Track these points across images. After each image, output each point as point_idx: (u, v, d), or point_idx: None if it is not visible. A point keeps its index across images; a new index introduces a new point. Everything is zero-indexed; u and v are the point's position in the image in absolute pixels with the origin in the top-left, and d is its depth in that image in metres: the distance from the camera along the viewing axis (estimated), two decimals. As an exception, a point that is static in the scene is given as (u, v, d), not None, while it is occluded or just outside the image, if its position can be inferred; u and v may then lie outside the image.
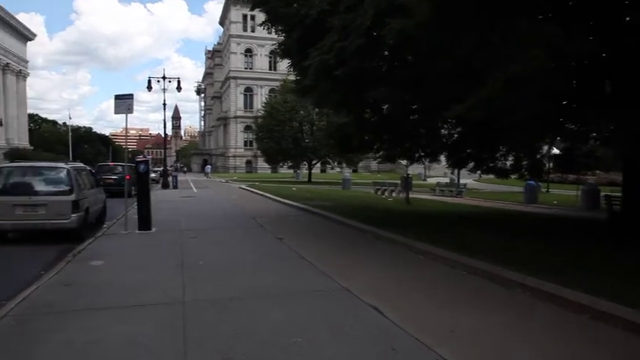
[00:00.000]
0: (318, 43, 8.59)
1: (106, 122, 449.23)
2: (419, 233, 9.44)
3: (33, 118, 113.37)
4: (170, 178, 32.93)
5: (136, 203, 11.91)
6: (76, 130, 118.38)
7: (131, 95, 11.23)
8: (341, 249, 8.76)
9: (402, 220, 12.57)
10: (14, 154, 72.56)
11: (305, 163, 50.48)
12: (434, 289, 5.96)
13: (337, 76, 8.06)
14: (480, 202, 26.24)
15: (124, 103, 11.22)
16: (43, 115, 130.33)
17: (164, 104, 32.33)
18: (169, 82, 32.27)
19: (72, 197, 10.00)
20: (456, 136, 14.11)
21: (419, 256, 8.05)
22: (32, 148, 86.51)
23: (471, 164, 15.48)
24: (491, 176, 20.53)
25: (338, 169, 66.34)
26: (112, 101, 11.28)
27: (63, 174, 10.28)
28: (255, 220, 13.15)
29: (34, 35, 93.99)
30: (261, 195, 24.23)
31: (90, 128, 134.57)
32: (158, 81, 32.04)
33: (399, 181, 33.84)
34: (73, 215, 9.94)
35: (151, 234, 10.78)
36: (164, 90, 31.91)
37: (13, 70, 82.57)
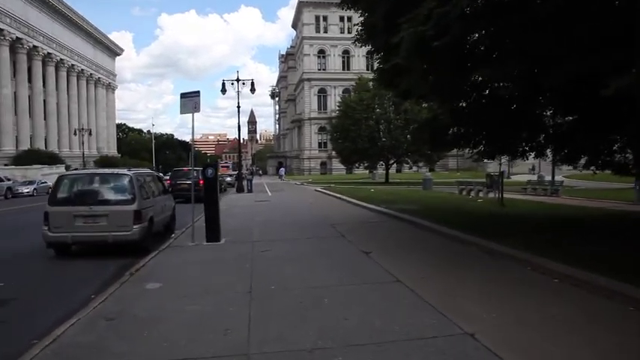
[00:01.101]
0: (408, 14, 6.97)
1: (187, 129, 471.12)
2: (536, 245, 7.50)
3: (121, 128, 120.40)
4: (245, 182, 32.41)
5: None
6: (159, 137, 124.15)
7: (197, 92, 10.13)
8: (444, 268, 7.00)
9: (505, 227, 10.56)
10: (104, 161, 76.81)
11: (382, 162, 48.54)
12: (604, 340, 4.09)
13: (436, 50, 6.35)
14: (583, 201, 23.15)
15: (190, 101, 10.15)
16: (130, 125, 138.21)
17: (238, 107, 31.89)
18: (243, 84, 31.78)
19: (134, 207, 9.04)
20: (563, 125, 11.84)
21: (549, 278, 6.14)
22: (120, 155, 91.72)
23: (583, 159, 13.13)
24: (578, 171, 17.74)
25: (415, 169, 63.73)
26: None
27: (125, 182, 9.36)
28: (334, 228, 11.66)
29: (122, 50, 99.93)
30: (338, 198, 22.77)
31: (171, 135, 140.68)
32: (232, 84, 31.63)
33: (484, 180, 31.25)
34: (135, 227, 8.97)
35: (219, 246, 9.60)
36: (238, 92, 31.49)
37: (103, 84, 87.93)
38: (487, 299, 5.32)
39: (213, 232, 9.99)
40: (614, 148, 12.24)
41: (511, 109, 9.81)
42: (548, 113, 11.80)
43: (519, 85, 6.60)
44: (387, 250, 8.59)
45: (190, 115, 10.27)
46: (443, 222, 11.22)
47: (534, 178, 47.04)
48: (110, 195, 9.28)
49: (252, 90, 31.88)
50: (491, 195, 26.63)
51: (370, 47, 11.40)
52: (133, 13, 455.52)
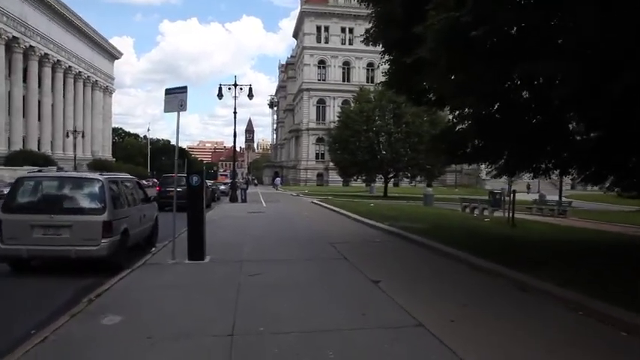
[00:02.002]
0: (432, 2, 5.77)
1: (184, 136, 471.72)
2: (577, 281, 6.25)
3: (117, 132, 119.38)
4: (239, 192, 31.07)
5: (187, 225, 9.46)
6: (155, 142, 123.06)
7: (184, 88, 8.88)
8: (475, 309, 5.66)
9: (527, 254, 9.31)
10: (97, 165, 75.39)
11: (380, 176, 47.31)
12: None
13: (472, 40, 5.14)
14: (595, 224, 21.93)
15: (175, 98, 8.89)
16: (128, 129, 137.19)
17: (235, 113, 30.66)
18: (241, 89, 30.61)
19: (103, 217, 7.72)
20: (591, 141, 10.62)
21: (616, 331, 4.84)
22: (114, 159, 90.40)
23: (610, 178, 11.96)
24: (576, 191, 16.52)
25: (412, 184, 62.47)
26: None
27: (95, 188, 8.03)
28: (334, 248, 10.36)
29: (121, 54, 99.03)
30: (337, 212, 21.47)
31: (168, 141, 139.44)
32: (229, 89, 30.47)
33: (487, 198, 30.07)
34: (103, 241, 7.64)
35: (202, 266, 8.28)
36: (235, 98, 30.28)
37: (100, 87, 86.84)
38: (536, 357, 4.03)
39: (196, 248, 8.67)
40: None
41: (539, 120, 8.58)
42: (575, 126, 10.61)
43: (569, 86, 5.38)
44: (399, 278, 7.30)
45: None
46: (455, 244, 9.95)
47: (533, 196, 45.96)
48: (76, 202, 7.94)
49: (250, 96, 30.72)
50: (496, 214, 25.49)
51: (381, 47, 10.18)
52: (134, 19, 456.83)
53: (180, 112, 8.85)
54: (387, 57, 10.28)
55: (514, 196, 17.69)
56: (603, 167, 11.06)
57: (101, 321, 5.08)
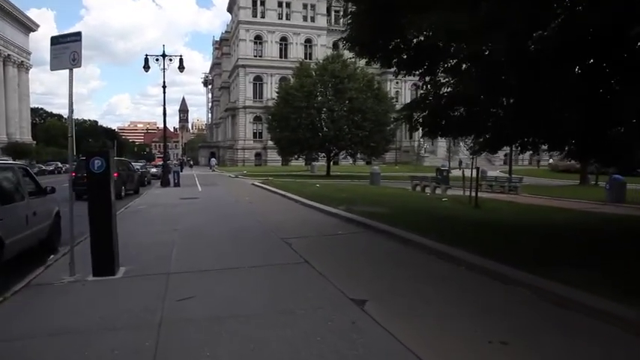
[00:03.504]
0: None
1: (115, 116, 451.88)
2: (609, 283, 4.61)
3: (38, 112, 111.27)
4: (171, 175, 28.13)
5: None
6: (81, 123, 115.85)
7: (77, 35, 6.31)
8: (520, 350, 3.83)
9: (523, 244, 7.71)
10: (14, 148, 68.65)
11: (323, 154, 45.50)
12: None
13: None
14: (552, 201, 21.15)
15: (65, 50, 6.31)
16: (52, 110, 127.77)
17: (164, 87, 27.43)
18: (170, 60, 27.38)
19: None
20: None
21: None
22: (35, 142, 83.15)
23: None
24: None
25: (350, 161, 61.19)
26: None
27: None
28: (289, 246, 8.25)
29: (37, 26, 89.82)
30: (282, 195, 19.29)
31: (95, 122, 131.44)
32: (157, 60, 27.18)
33: (435, 174, 29.02)
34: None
35: (110, 286, 5.89)
36: (164, 70, 27.05)
37: (14, 62, 78.50)
38: None
39: (103, 259, 6.26)
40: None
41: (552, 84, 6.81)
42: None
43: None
44: (389, 295, 5.29)
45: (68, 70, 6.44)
46: (434, 235, 8.19)
47: (466, 172, 45.92)
48: None
49: (181, 68, 27.58)
50: (438, 191, 24.36)
51: None
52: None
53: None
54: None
55: (478, 173, 16.27)
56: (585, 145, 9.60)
57: None
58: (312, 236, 9.36)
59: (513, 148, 10.78)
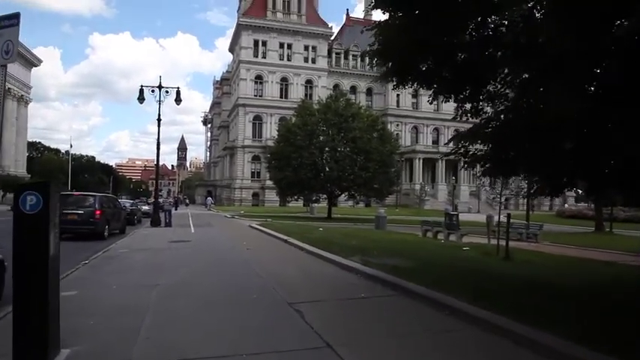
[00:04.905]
0: None
1: (114, 153, 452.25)
2: None
3: (35, 147, 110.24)
4: (163, 214, 26.06)
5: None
6: (79, 158, 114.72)
7: (14, 18, 4.47)
8: None
9: (586, 311, 5.72)
10: (5, 181, 66.76)
11: (324, 196, 43.52)
12: None
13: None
14: (582, 251, 19.17)
15: (-1, 40, 4.47)
16: (53, 145, 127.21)
17: (158, 120, 25.73)
18: (167, 92, 25.84)
19: None
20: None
21: None
22: (30, 175, 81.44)
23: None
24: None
25: (350, 204, 59.24)
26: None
27: None
28: (300, 316, 6.15)
29: (40, 61, 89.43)
30: (283, 240, 17.18)
31: (93, 157, 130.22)
32: (152, 91, 25.61)
33: (443, 219, 27.04)
34: None
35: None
36: (159, 102, 25.43)
37: (14, 96, 77.51)
38: None
39: (30, 343, 4.18)
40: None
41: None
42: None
43: None
44: None
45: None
46: (485, 302, 6.20)
47: (476, 216, 43.92)
48: None
49: (178, 101, 25.96)
50: (452, 238, 22.38)
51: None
52: (62, 30, 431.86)
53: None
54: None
55: (509, 220, 14.29)
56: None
57: None
58: (328, 300, 7.26)
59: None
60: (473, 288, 7.60)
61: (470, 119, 8.16)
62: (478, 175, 9.26)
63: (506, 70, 6.31)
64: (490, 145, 6.65)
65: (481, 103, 7.76)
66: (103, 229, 18.08)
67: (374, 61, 7.78)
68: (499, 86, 6.83)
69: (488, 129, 6.77)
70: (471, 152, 6.95)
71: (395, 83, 8.14)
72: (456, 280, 8.37)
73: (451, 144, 8.58)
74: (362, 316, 6.37)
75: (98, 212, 17.68)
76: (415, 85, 7.84)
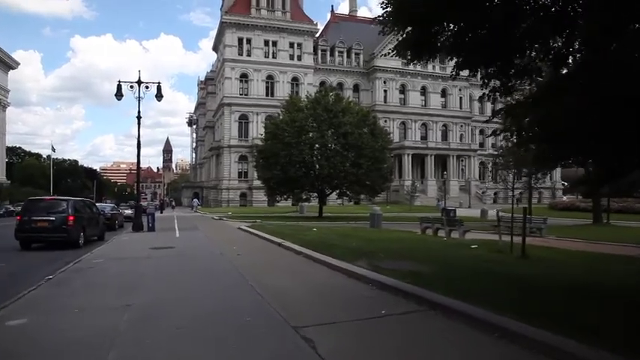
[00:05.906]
0: None
1: (98, 157, 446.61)
2: None
3: (15, 152, 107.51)
4: (146, 218, 24.43)
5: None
6: (61, 163, 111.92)
7: None
8: None
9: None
10: (-17, 187, 64.48)
11: (314, 194, 42.07)
12: None
13: None
14: (591, 245, 18.12)
15: None
16: (34, 150, 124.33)
17: (138, 117, 24.09)
18: (147, 87, 24.20)
19: None
20: None
21: None
22: (9, 182, 78.82)
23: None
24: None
25: (340, 202, 57.91)
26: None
27: None
28: (312, 350, 4.75)
29: (17, 64, 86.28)
30: (277, 244, 15.69)
31: (76, 161, 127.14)
32: (131, 87, 23.94)
33: (439, 215, 25.91)
34: None
35: None
36: (139, 98, 23.79)
37: (-10, 100, 74.77)
38: None
39: None
40: None
41: None
42: None
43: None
44: None
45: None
46: (533, 319, 4.91)
47: (470, 212, 43.08)
48: None
49: (159, 97, 24.32)
50: (454, 235, 21.23)
51: None
52: (43, 33, 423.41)
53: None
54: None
55: (525, 215, 13.02)
56: None
57: None
58: (343, 321, 5.81)
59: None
60: (511, 299, 6.32)
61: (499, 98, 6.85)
62: (530, 166, 7.91)
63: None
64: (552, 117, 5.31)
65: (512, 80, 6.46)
66: (78, 237, 16.46)
67: (386, 28, 6.39)
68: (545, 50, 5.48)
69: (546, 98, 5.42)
70: (525, 125, 5.57)
71: (410, 57, 6.79)
72: (488, 288, 7.06)
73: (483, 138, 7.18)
74: (391, 343, 4.96)
75: (71, 218, 16.05)
76: (436, 56, 6.49)
